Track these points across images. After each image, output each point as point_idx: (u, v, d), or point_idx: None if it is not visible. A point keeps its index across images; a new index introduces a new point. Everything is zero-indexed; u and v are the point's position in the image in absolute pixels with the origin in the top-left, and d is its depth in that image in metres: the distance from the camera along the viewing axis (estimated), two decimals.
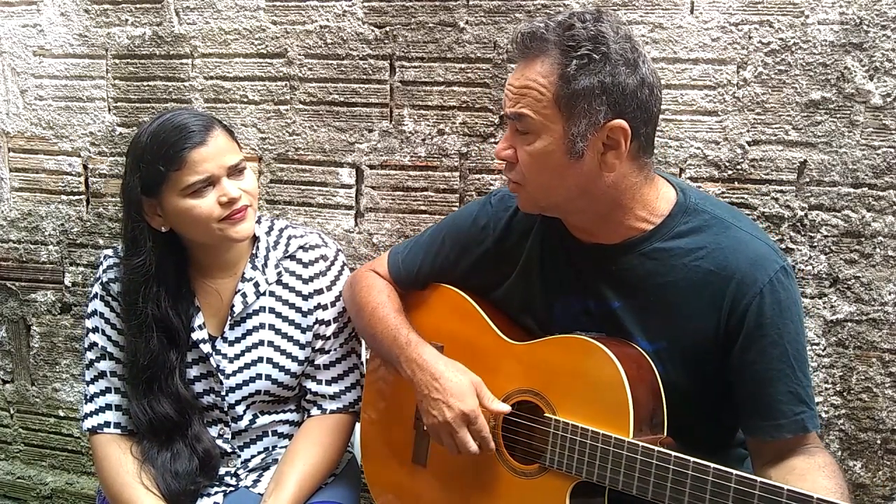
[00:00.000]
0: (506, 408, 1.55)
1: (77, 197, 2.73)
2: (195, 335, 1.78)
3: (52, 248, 2.78)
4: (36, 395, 2.90)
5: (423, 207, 2.43)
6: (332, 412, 1.86)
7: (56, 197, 2.75)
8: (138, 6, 2.56)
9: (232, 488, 1.83)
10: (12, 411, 2.95)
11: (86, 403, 1.83)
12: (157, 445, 1.76)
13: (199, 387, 1.80)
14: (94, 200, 2.71)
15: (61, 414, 2.89)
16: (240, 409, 1.80)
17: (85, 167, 2.71)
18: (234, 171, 1.69)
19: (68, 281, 2.78)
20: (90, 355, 1.83)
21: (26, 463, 2.98)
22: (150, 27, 2.56)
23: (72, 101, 2.68)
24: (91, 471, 2.89)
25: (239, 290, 1.79)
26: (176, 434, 1.76)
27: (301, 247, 1.85)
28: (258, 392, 1.80)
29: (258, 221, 1.82)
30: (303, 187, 2.51)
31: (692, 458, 1.29)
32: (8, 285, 2.85)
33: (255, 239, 1.83)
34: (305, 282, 1.83)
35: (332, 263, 1.87)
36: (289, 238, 1.86)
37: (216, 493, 1.80)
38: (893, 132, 2.05)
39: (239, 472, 1.84)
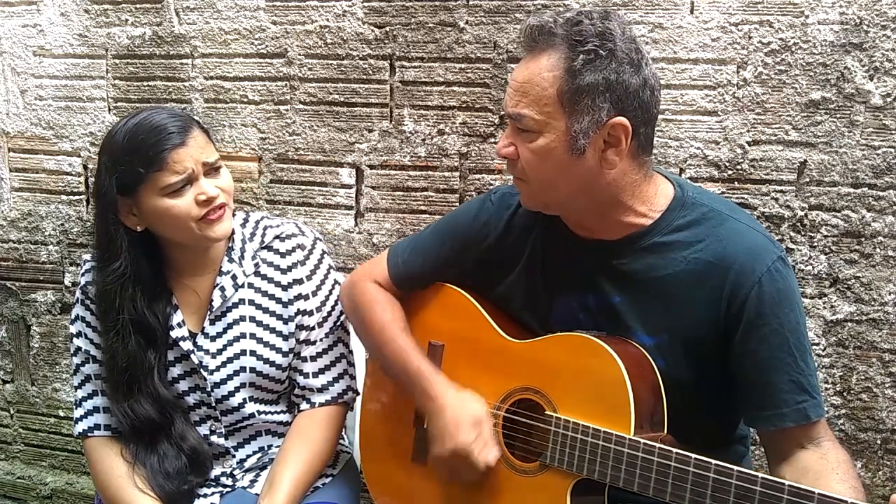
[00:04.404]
0: (495, 456, 1.57)
1: (77, 197, 2.73)
2: (174, 333, 1.76)
3: (52, 248, 2.78)
4: (36, 395, 2.90)
5: (423, 207, 2.43)
6: (321, 405, 1.84)
7: (56, 197, 2.75)
8: (138, 6, 2.56)
9: (228, 489, 1.82)
10: (12, 411, 2.95)
11: (76, 408, 1.83)
12: (143, 448, 1.75)
13: (183, 385, 1.79)
14: (94, 200, 2.71)
15: (61, 414, 2.88)
16: (228, 403, 1.79)
17: (85, 167, 2.70)
18: (211, 170, 1.69)
19: (68, 281, 2.78)
20: (76, 360, 1.83)
21: (26, 463, 2.98)
22: (150, 27, 2.56)
23: (72, 101, 2.68)
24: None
25: (217, 285, 1.78)
26: (160, 435, 1.75)
27: (277, 236, 1.83)
28: (244, 385, 1.79)
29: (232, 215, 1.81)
30: (303, 187, 2.51)
31: (693, 455, 1.29)
32: (8, 285, 2.85)
33: (231, 232, 1.80)
34: (284, 272, 1.81)
35: (311, 252, 1.85)
36: (265, 228, 1.85)
37: (213, 493, 1.80)
38: (893, 132, 2.06)
39: (235, 472, 1.83)
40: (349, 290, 1.85)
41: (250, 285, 1.81)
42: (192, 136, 1.66)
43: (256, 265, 1.81)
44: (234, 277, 1.79)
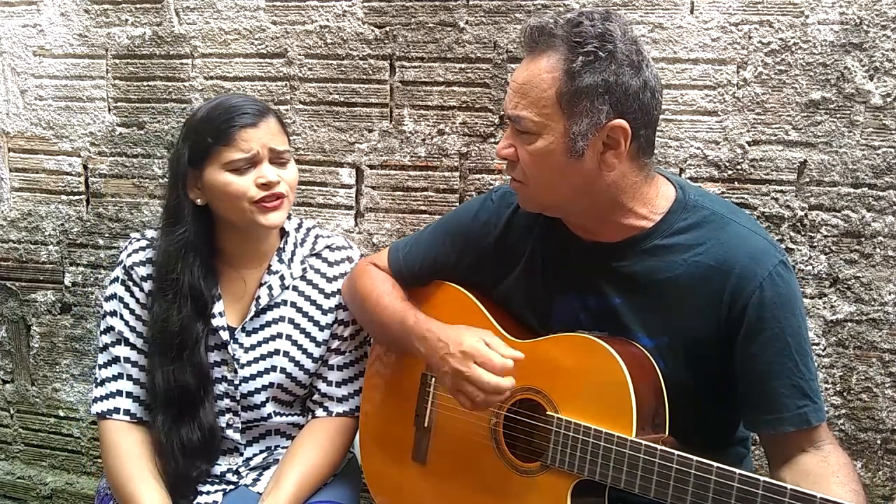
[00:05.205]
0: (518, 354, 1.49)
1: (77, 197, 2.73)
2: (214, 321, 1.78)
3: (52, 248, 2.78)
4: (36, 395, 2.90)
5: (423, 207, 2.43)
6: (338, 415, 1.86)
7: (56, 197, 2.75)
8: (138, 6, 2.56)
9: (232, 486, 1.82)
10: (12, 411, 2.95)
11: (96, 387, 1.82)
12: (168, 419, 1.75)
13: (214, 373, 1.80)
14: (94, 200, 2.71)
15: (61, 414, 2.88)
16: (251, 399, 1.80)
17: (85, 167, 2.71)
18: (278, 158, 1.73)
19: (68, 281, 2.78)
20: (105, 339, 1.83)
21: (26, 463, 2.98)
22: (150, 27, 2.56)
23: (72, 101, 2.68)
24: (91, 471, 2.89)
25: (265, 283, 1.81)
26: (187, 410, 1.76)
27: (328, 246, 1.88)
28: (271, 385, 1.80)
29: (288, 217, 1.84)
30: (303, 187, 2.51)
31: (695, 457, 1.29)
32: (8, 285, 2.85)
33: (285, 234, 1.86)
34: (329, 280, 1.85)
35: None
36: (316, 237, 1.89)
37: (216, 490, 1.80)
38: (893, 132, 2.06)
39: (240, 469, 1.84)
40: (350, 279, 1.85)
41: (295, 288, 1.83)
42: (266, 121, 1.72)
43: (304, 270, 1.84)
44: (281, 278, 1.82)
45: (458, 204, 2.37)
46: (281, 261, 1.83)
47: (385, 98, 2.41)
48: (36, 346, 2.87)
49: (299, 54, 2.44)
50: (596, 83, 1.37)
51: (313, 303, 1.83)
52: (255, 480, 1.83)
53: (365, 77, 2.41)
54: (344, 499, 1.86)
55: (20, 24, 2.68)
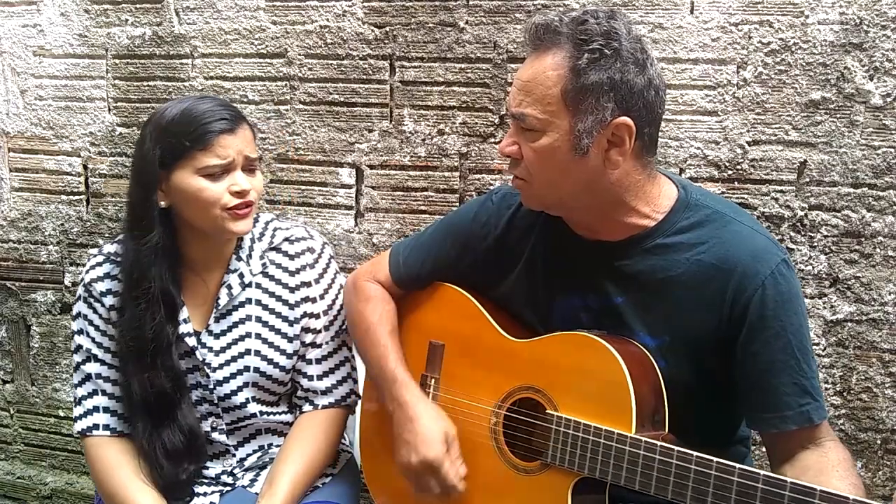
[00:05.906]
0: (459, 481, 1.58)
1: (77, 197, 2.73)
2: (180, 329, 1.77)
3: (52, 248, 2.78)
4: (36, 395, 2.90)
5: (423, 207, 2.43)
6: (325, 407, 1.85)
7: (56, 197, 2.75)
8: (138, 6, 2.57)
9: (229, 487, 1.82)
10: (12, 411, 2.95)
11: (75, 406, 1.82)
12: (149, 426, 1.74)
13: (187, 381, 1.78)
14: (94, 200, 2.71)
15: (61, 414, 2.88)
16: (231, 401, 1.79)
17: (85, 167, 2.71)
18: (249, 166, 1.71)
19: (68, 281, 2.78)
20: (77, 358, 1.82)
21: (26, 463, 2.98)
22: (150, 27, 2.57)
23: (72, 101, 2.68)
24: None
25: (224, 283, 1.79)
26: (165, 413, 1.74)
27: (286, 238, 1.84)
28: (246, 385, 1.79)
29: None
30: (303, 187, 2.51)
31: (695, 453, 1.30)
32: (8, 285, 2.85)
33: None
34: (292, 274, 1.82)
35: (320, 256, 1.86)
36: (274, 230, 1.85)
37: (213, 492, 1.79)
38: (893, 132, 2.06)
39: (235, 470, 1.83)
40: (349, 288, 1.85)
41: (257, 285, 1.81)
42: (243, 128, 1.70)
43: (264, 265, 1.82)
44: (241, 276, 1.80)
45: (458, 204, 2.37)
46: (239, 258, 1.80)
47: (385, 98, 2.41)
48: (36, 346, 2.87)
49: (299, 54, 2.45)
50: (601, 80, 1.37)
51: (278, 298, 1.81)
52: (253, 481, 1.82)
53: (365, 77, 2.41)
54: (344, 499, 1.85)
55: (20, 24, 2.69)
